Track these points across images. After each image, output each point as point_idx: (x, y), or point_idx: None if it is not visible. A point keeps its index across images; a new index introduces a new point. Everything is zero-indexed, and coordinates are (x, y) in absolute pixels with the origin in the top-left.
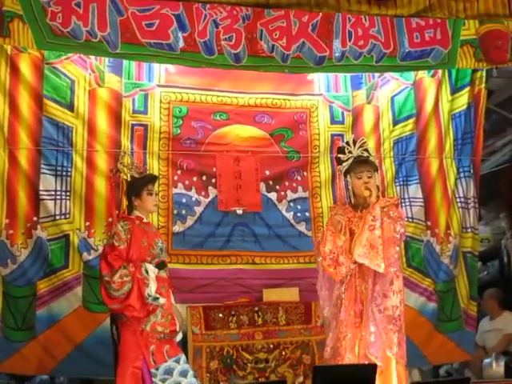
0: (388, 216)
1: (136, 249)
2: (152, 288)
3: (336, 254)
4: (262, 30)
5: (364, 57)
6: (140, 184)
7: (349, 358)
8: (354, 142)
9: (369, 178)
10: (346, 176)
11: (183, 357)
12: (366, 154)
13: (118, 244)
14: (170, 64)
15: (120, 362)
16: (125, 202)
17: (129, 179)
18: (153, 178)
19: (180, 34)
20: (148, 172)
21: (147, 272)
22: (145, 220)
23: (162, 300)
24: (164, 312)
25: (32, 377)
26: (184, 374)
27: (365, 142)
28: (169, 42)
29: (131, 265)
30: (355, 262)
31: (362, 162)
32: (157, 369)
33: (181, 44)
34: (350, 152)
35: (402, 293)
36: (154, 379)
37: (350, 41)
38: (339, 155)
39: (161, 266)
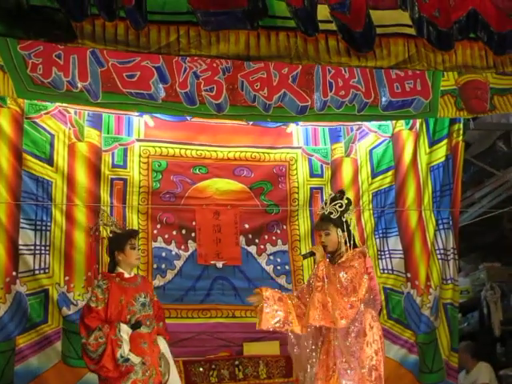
0: (336, 268)
1: (114, 308)
2: (125, 349)
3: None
4: (242, 82)
5: (346, 106)
6: (123, 238)
7: None
8: (334, 199)
9: (326, 235)
10: None
11: None
12: (328, 211)
13: (94, 305)
14: (152, 113)
15: None
16: (103, 259)
17: (110, 235)
18: (135, 233)
19: (161, 85)
20: (128, 227)
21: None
22: (126, 275)
23: (135, 359)
24: (145, 368)
25: None
26: None
27: (334, 197)
28: (150, 92)
29: (106, 326)
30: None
31: (322, 220)
32: None
33: (162, 94)
34: (322, 208)
35: (378, 342)
36: None
37: (331, 91)
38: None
39: (136, 325)
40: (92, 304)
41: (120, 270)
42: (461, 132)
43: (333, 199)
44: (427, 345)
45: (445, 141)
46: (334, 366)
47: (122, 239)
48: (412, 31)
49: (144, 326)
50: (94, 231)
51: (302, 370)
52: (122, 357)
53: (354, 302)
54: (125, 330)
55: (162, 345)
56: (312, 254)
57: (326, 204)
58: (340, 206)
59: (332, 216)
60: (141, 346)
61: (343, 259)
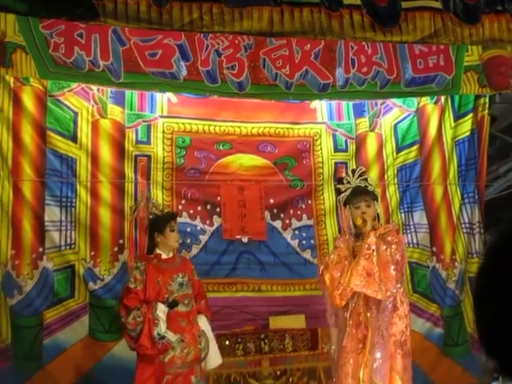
0: (384, 242)
1: (152, 289)
2: (162, 327)
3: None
4: (264, 59)
5: (368, 83)
6: (163, 221)
7: None
8: (354, 172)
9: (367, 207)
10: (345, 206)
11: None
12: (364, 184)
13: (133, 286)
14: (174, 92)
15: None
16: (139, 237)
17: (150, 217)
18: (174, 215)
19: (183, 63)
20: (167, 209)
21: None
22: (164, 256)
23: (172, 337)
24: (184, 345)
25: None
26: None
27: (364, 172)
28: (172, 70)
29: (144, 306)
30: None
31: (360, 193)
32: None
33: (184, 73)
34: (348, 182)
35: (407, 318)
36: None
37: (353, 68)
38: (338, 186)
39: (173, 304)
40: (131, 285)
41: (158, 251)
42: (486, 106)
43: (361, 174)
44: (452, 318)
45: (470, 115)
46: (365, 339)
47: (162, 221)
48: (438, 5)
49: (182, 305)
50: (134, 211)
51: (329, 342)
52: (158, 335)
53: (398, 276)
54: (161, 309)
55: (203, 322)
56: (364, 220)
57: (349, 177)
58: (371, 180)
59: (369, 189)
60: (179, 324)
61: (377, 234)
